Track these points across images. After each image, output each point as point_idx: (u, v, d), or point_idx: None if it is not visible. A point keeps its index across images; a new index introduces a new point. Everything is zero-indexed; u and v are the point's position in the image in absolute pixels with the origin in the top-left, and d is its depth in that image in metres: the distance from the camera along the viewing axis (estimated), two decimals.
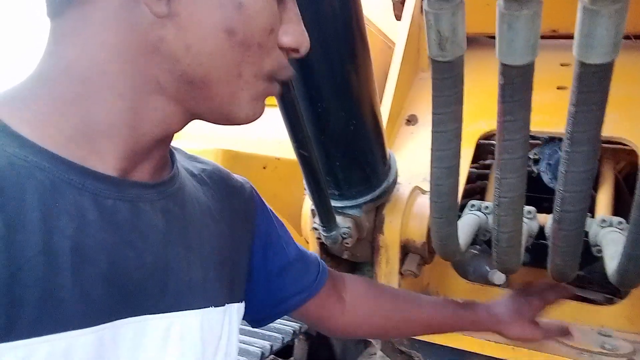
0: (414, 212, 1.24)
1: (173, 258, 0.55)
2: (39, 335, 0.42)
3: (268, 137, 1.51)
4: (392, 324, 0.90)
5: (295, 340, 1.69)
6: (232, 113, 0.53)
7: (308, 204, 1.31)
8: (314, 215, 1.22)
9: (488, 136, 1.64)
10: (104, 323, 0.47)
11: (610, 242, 1.09)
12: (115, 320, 0.48)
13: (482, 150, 2.06)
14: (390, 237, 1.22)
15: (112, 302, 0.48)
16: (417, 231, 1.23)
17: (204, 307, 0.58)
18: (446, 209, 0.95)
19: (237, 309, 0.66)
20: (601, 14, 0.67)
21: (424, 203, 1.26)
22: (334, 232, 1.12)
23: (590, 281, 1.75)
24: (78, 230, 0.46)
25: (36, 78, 0.48)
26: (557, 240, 0.90)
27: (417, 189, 1.30)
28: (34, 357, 0.42)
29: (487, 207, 1.33)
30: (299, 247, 0.82)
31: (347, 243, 1.16)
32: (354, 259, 1.30)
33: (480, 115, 1.47)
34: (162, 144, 0.54)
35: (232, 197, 0.70)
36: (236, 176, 0.74)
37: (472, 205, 1.31)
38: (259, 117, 0.55)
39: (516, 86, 0.80)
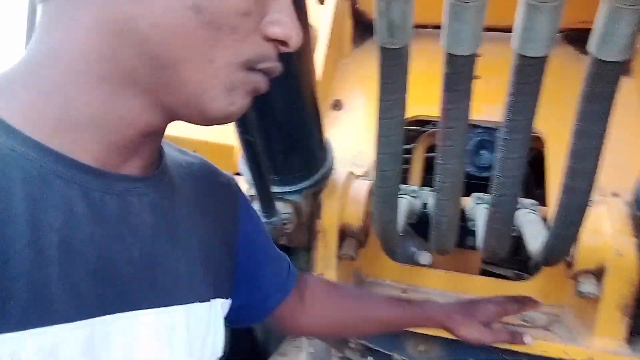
0: (351, 197, 1.26)
1: (161, 253, 0.53)
2: (27, 328, 0.41)
3: None
4: (352, 323, 0.91)
5: None
6: (205, 105, 0.48)
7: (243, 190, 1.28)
8: (251, 202, 1.20)
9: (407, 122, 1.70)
10: (93, 317, 0.46)
11: (529, 223, 1.18)
12: (106, 315, 0.47)
13: None
14: (328, 221, 1.24)
15: (101, 297, 0.47)
16: (354, 215, 1.25)
17: (190, 303, 0.57)
18: (389, 194, 0.97)
19: (221, 305, 0.65)
20: (542, 10, 0.71)
21: (359, 187, 1.28)
22: (274, 218, 1.11)
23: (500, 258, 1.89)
24: (66, 223, 0.44)
25: (24, 65, 0.46)
26: (493, 222, 0.96)
27: (351, 174, 1.31)
28: (24, 350, 0.41)
29: (414, 191, 1.39)
30: (274, 245, 0.82)
31: (287, 229, 1.15)
32: (291, 244, 1.30)
33: None
34: (149, 139, 0.51)
35: (219, 193, 0.68)
36: (223, 172, 0.72)
37: (400, 189, 1.36)
38: (239, 113, 0.50)
39: (461, 75, 0.83)
